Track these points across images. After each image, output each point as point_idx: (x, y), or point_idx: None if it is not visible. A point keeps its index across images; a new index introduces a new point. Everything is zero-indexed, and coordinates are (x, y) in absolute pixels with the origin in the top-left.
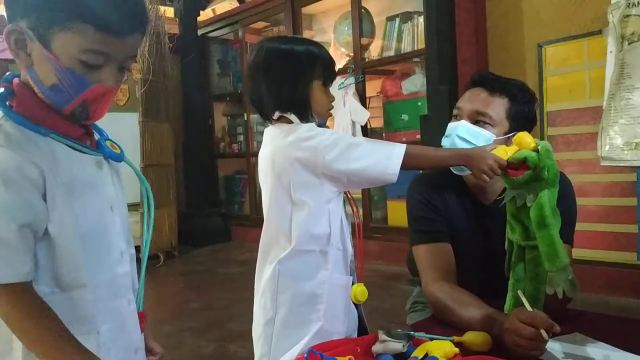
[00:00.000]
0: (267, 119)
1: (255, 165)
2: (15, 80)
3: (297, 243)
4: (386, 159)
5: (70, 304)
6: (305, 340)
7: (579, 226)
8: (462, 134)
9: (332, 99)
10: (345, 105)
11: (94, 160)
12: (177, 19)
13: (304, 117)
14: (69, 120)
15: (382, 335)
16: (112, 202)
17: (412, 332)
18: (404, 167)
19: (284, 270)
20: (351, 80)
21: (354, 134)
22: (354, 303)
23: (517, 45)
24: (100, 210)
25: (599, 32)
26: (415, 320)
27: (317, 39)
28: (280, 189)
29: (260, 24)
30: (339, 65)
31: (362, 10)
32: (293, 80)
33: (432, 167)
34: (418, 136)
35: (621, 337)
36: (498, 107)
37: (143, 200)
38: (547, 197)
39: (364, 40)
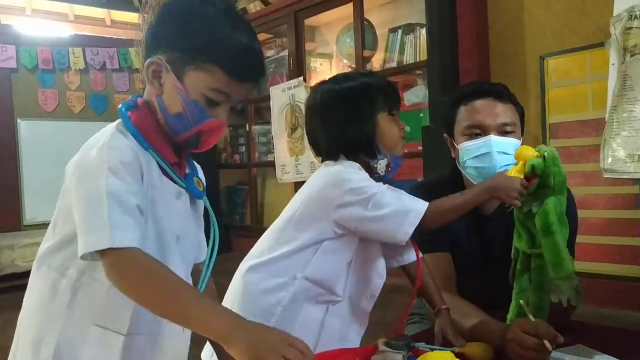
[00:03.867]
0: (327, 160)
1: (256, 176)
2: (140, 99)
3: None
4: (403, 215)
5: (115, 305)
6: None
7: (582, 239)
8: (501, 148)
9: (402, 126)
10: None
11: (175, 190)
12: None
13: (373, 156)
14: (181, 145)
15: (382, 346)
16: (179, 234)
17: (412, 343)
18: (430, 225)
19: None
20: None
21: None
22: None
23: (519, 57)
24: (165, 237)
25: (602, 44)
26: (413, 333)
27: (319, 51)
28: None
29: (264, 36)
30: None
31: (365, 22)
32: (355, 120)
33: (464, 213)
34: (420, 147)
35: (625, 350)
36: (514, 113)
37: (209, 240)
38: (554, 204)
39: (367, 53)
